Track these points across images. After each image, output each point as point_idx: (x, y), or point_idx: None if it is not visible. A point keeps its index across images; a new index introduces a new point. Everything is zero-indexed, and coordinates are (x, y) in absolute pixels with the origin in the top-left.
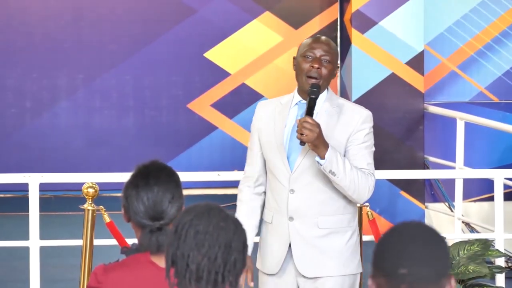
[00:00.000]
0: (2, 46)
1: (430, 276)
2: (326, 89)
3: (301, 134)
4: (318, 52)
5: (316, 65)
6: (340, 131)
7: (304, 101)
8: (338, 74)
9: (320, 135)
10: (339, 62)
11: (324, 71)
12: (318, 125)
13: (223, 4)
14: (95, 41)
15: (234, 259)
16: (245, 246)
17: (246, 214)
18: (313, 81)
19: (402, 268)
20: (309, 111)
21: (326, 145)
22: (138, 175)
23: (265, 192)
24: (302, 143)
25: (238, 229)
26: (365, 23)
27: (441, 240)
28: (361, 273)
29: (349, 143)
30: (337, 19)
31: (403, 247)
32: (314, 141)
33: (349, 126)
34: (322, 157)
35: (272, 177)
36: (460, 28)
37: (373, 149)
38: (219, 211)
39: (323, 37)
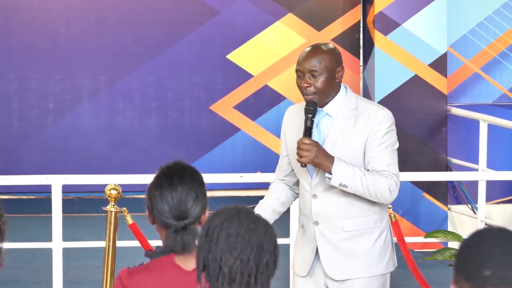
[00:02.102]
0: (25, 48)
1: None
2: (343, 91)
3: (301, 156)
4: (305, 68)
5: (305, 84)
6: (357, 134)
7: (321, 109)
8: (361, 75)
9: (318, 154)
10: (361, 63)
11: (315, 85)
12: (316, 144)
13: (245, 6)
14: (117, 42)
15: (266, 260)
16: (276, 247)
17: (267, 194)
18: (309, 97)
19: (486, 270)
20: (307, 131)
21: (329, 161)
22: (162, 175)
23: (293, 187)
24: (303, 164)
25: (269, 231)
26: (388, 25)
27: None
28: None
29: (367, 145)
30: (360, 21)
31: (487, 250)
32: (313, 160)
33: (365, 128)
34: (329, 172)
35: (300, 183)
36: (483, 30)
37: (395, 147)
38: (249, 213)
39: (311, 49)
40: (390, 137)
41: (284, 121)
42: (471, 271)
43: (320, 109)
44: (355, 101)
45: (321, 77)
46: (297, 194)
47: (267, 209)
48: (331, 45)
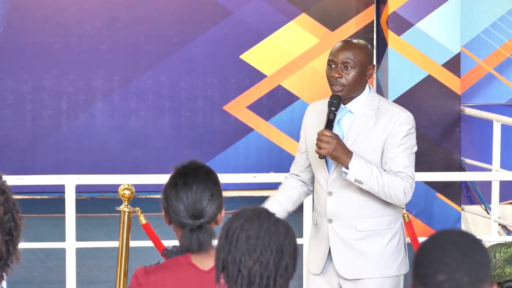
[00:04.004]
0: (39, 48)
1: (468, 283)
2: (367, 90)
3: (320, 148)
4: (339, 59)
5: (336, 75)
6: (377, 134)
7: (344, 105)
8: (374, 75)
9: (337, 147)
10: (374, 63)
11: (346, 78)
12: (335, 137)
13: (259, 6)
14: (131, 42)
15: (285, 263)
16: (295, 250)
17: (279, 190)
18: (337, 88)
19: (441, 275)
20: (328, 123)
21: (348, 156)
22: (177, 175)
23: (307, 183)
24: (321, 156)
25: (289, 233)
26: (402, 25)
27: (481, 247)
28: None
29: (386, 146)
30: (373, 21)
31: (442, 254)
32: (331, 153)
33: (386, 129)
34: (347, 167)
35: (315, 180)
36: (497, 30)
37: (413, 150)
38: (269, 215)
39: (347, 41)
40: (410, 139)
41: (306, 116)
42: (426, 275)
43: (343, 105)
44: (378, 101)
45: (353, 70)
46: (310, 191)
47: (277, 207)
48: (365, 42)
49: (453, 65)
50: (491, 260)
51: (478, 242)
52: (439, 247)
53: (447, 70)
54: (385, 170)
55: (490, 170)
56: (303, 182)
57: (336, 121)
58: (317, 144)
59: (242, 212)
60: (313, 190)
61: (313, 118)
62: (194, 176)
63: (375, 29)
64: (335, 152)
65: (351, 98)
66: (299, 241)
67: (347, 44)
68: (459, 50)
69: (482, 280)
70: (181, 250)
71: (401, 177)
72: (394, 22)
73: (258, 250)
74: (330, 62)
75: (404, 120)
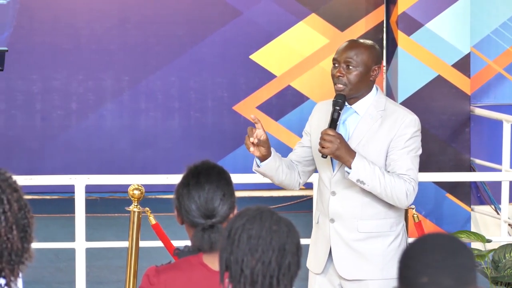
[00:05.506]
0: (49, 48)
1: (451, 286)
2: (374, 91)
3: (323, 147)
4: (342, 58)
5: (338, 74)
6: (382, 135)
7: (350, 106)
8: (384, 75)
9: (340, 146)
10: (384, 63)
11: (348, 77)
12: (339, 137)
13: (269, 6)
14: (140, 42)
15: (288, 262)
16: (298, 248)
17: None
18: (339, 87)
19: (424, 277)
20: (332, 123)
21: (351, 155)
22: (189, 174)
23: (300, 173)
24: (324, 155)
25: (291, 231)
26: (412, 25)
27: (466, 250)
28: None
29: (390, 148)
30: (383, 21)
31: (425, 257)
32: (334, 152)
33: (391, 131)
34: (349, 167)
35: (319, 179)
36: (507, 30)
37: (418, 153)
38: (271, 214)
39: (352, 41)
40: (414, 142)
41: (313, 113)
42: (409, 277)
43: (349, 106)
44: (384, 103)
45: (356, 70)
46: (299, 181)
47: (277, 155)
48: (372, 43)
49: (463, 65)
50: (476, 264)
51: (463, 246)
52: (423, 250)
53: (456, 70)
54: (388, 172)
55: (500, 170)
56: (298, 170)
57: (341, 121)
58: (320, 143)
59: (244, 212)
60: (302, 183)
61: (319, 117)
62: (206, 176)
63: (384, 29)
64: (337, 152)
65: (357, 99)
66: (306, 241)
67: (351, 44)
68: (468, 50)
69: (466, 283)
70: (193, 250)
71: (404, 179)
72: (403, 23)
73: (260, 249)
74: (334, 60)
75: (410, 123)
